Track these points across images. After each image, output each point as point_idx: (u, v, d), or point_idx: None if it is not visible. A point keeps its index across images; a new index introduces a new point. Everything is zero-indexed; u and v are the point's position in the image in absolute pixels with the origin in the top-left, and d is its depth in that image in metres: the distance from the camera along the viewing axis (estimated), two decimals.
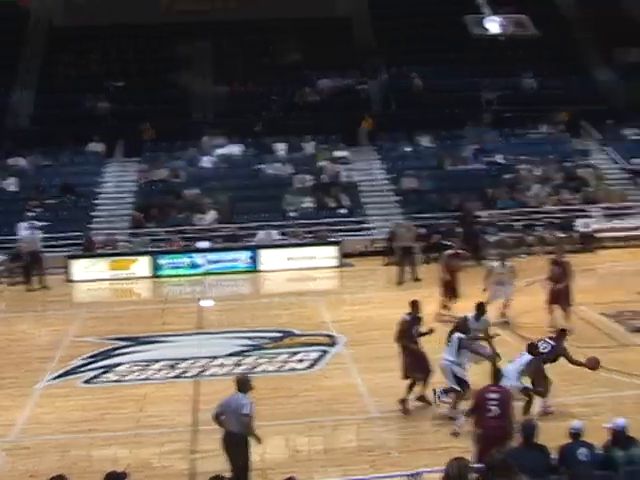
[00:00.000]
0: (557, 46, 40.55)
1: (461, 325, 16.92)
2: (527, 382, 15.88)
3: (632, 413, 15.52)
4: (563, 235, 31.86)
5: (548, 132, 39.02)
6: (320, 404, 17.06)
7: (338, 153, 35.89)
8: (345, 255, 30.56)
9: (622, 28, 42.73)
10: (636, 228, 33.17)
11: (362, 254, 31.10)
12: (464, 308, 23.08)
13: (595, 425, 14.36)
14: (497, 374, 13.48)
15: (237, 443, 12.86)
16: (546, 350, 16.47)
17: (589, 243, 31.68)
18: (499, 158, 36.37)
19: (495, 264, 23.03)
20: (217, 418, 13.13)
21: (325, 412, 16.66)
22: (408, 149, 37.10)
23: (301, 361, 19.97)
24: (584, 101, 39.75)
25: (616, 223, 33.35)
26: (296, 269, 29.69)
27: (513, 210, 33.02)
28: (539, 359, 16.03)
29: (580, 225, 32.27)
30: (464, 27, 33.34)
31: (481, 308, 18.09)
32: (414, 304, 17.33)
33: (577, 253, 31.04)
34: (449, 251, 25.11)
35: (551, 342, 16.64)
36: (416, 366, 16.68)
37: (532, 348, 16.21)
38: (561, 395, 17.23)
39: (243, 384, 13.19)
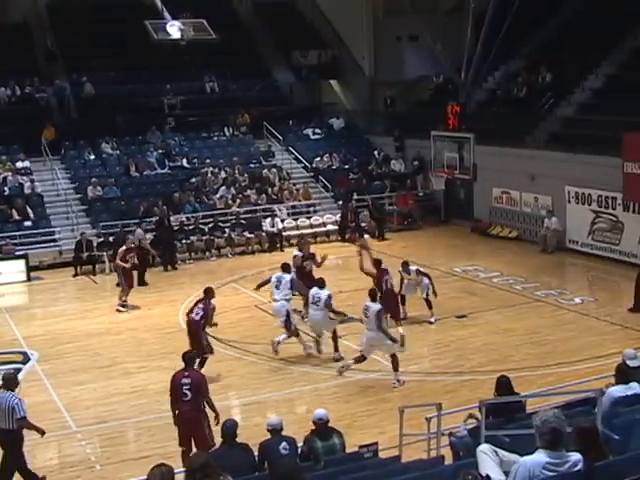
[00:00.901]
0: (238, 49, 41.22)
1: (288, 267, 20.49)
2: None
3: (331, 404, 16.08)
4: (251, 235, 32.39)
5: (232, 134, 39.62)
6: None
7: (20, 164, 34.59)
8: (33, 268, 29.57)
9: (299, 31, 44.21)
10: (322, 224, 34.38)
11: (50, 266, 30.23)
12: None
13: (296, 418, 14.76)
14: (189, 359, 13.93)
15: (9, 439, 12.91)
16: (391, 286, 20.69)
17: (277, 242, 32.42)
18: (184, 162, 36.45)
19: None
20: None
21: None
22: (92, 157, 36.39)
23: None
24: (266, 103, 40.83)
25: (302, 221, 34.40)
26: None
27: (200, 213, 33.10)
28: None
29: (267, 225, 32.92)
30: (145, 32, 33.24)
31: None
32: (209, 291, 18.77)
33: (266, 252, 31.82)
34: (124, 247, 25.42)
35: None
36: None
37: (374, 295, 18.33)
38: (258, 393, 17.58)
39: (9, 382, 13.29)
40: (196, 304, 18.56)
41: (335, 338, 19.45)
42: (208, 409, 13.60)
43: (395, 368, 17.74)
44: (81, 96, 38.74)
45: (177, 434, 13.64)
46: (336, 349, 19.39)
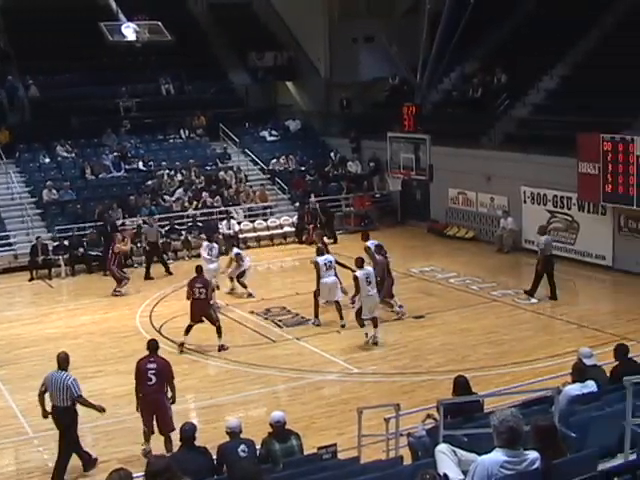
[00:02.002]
0: (193, 51, 41.13)
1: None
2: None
3: (289, 406, 16.08)
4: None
5: (188, 137, 39.46)
6: None
7: None
8: None
9: (254, 33, 44.13)
10: (279, 226, 34.33)
11: (6, 271, 29.96)
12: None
13: (254, 421, 14.73)
14: (153, 347, 14.83)
15: (65, 415, 13.84)
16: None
17: (233, 244, 32.23)
18: (140, 165, 36.24)
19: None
20: (41, 395, 14.08)
21: None
22: (47, 160, 36.07)
23: None
24: (222, 105, 40.71)
25: (259, 223, 34.33)
26: None
27: (157, 216, 32.82)
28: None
29: (224, 227, 32.77)
30: (100, 34, 33.02)
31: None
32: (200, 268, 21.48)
33: (222, 255, 31.67)
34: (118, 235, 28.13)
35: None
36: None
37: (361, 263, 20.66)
38: (216, 396, 17.53)
39: (62, 362, 14.12)
40: (192, 285, 20.27)
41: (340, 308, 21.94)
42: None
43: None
44: (31, 98, 38.41)
45: (141, 417, 14.49)
46: (341, 317, 21.84)
